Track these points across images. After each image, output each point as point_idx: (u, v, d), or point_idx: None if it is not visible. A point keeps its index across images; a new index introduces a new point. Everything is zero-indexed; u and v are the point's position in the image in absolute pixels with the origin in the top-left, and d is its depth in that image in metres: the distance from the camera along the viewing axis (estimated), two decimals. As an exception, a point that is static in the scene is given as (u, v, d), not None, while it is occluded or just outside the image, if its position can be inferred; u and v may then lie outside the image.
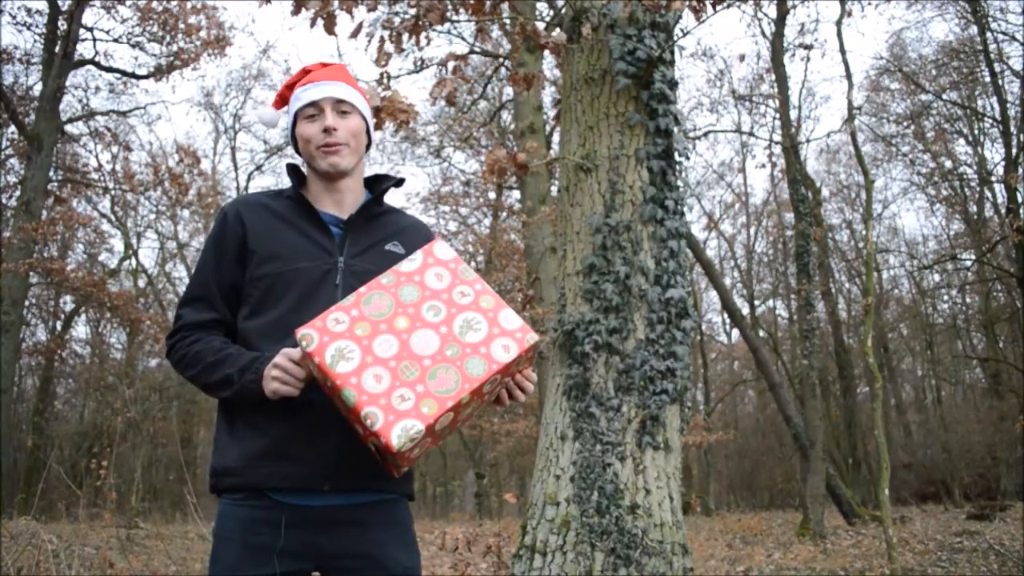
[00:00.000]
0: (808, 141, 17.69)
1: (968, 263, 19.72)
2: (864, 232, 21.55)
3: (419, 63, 4.85)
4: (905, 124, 19.05)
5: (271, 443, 1.57)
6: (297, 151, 1.79)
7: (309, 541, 1.57)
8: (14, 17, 14.49)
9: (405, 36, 4.15)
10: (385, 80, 4.47)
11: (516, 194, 17.33)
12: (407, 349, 1.47)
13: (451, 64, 4.53)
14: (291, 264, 1.65)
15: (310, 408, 1.55)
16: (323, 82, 1.74)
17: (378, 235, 1.76)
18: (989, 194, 19.13)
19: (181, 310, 1.71)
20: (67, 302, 19.78)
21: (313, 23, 4.11)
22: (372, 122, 1.85)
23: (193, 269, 1.91)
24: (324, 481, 1.57)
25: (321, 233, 1.70)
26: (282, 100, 1.84)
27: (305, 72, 1.81)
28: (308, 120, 1.73)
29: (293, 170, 1.80)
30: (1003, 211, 16.48)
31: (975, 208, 19.72)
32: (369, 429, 1.41)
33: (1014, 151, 16.31)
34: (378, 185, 1.84)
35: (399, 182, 1.85)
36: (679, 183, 4.37)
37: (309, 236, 1.69)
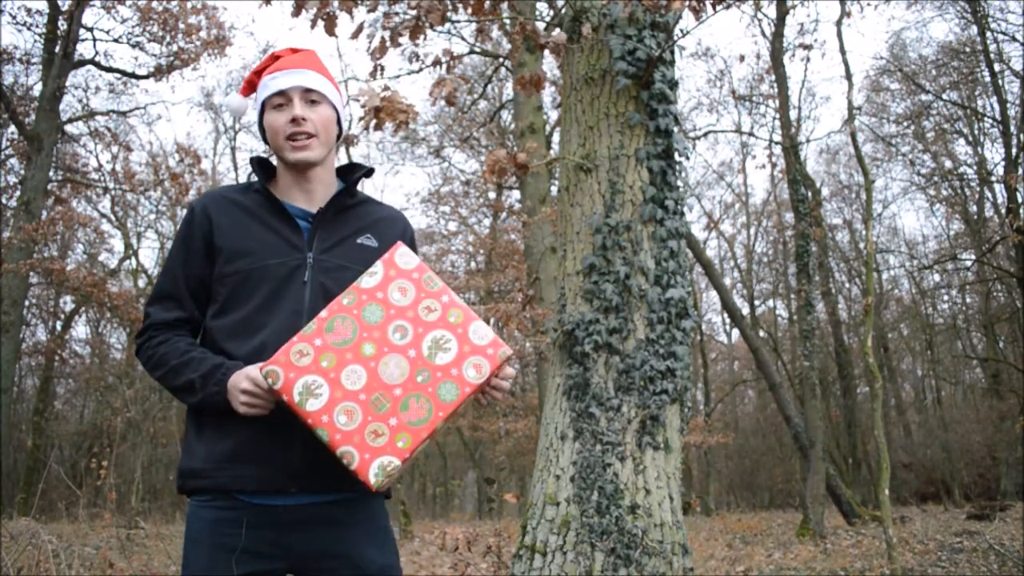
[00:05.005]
0: (808, 141, 17.71)
1: (968, 263, 19.72)
2: (864, 232, 21.55)
3: (414, 58, 4.82)
4: (905, 124, 19.05)
5: (237, 445, 1.54)
6: (265, 141, 1.72)
7: (277, 541, 1.55)
8: (14, 17, 14.48)
9: (406, 37, 4.15)
10: (379, 73, 4.45)
11: (516, 194, 17.33)
12: (376, 379, 1.43)
13: (444, 60, 4.53)
14: (258, 261, 1.61)
15: (276, 410, 1.53)
16: (291, 70, 1.67)
17: (349, 228, 1.70)
18: (989, 194, 19.15)
19: (149, 308, 1.67)
20: (67, 302, 19.78)
21: (314, 24, 4.11)
22: (344, 110, 1.79)
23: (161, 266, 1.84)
24: (291, 483, 1.54)
25: (289, 228, 1.65)
26: (250, 86, 1.76)
27: (274, 58, 1.75)
28: (276, 110, 1.66)
29: (259, 163, 1.74)
30: (1003, 211, 16.48)
31: (975, 208, 19.74)
32: (347, 468, 1.39)
33: (1014, 151, 16.31)
34: (351, 175, 1.78)
35: (369, 172, 1.79)
36: (679, 183, 4.37)
37: (277, 232, 1.64)
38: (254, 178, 1.76)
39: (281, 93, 1.66)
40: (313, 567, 1.57)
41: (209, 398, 1.53)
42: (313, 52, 1.77)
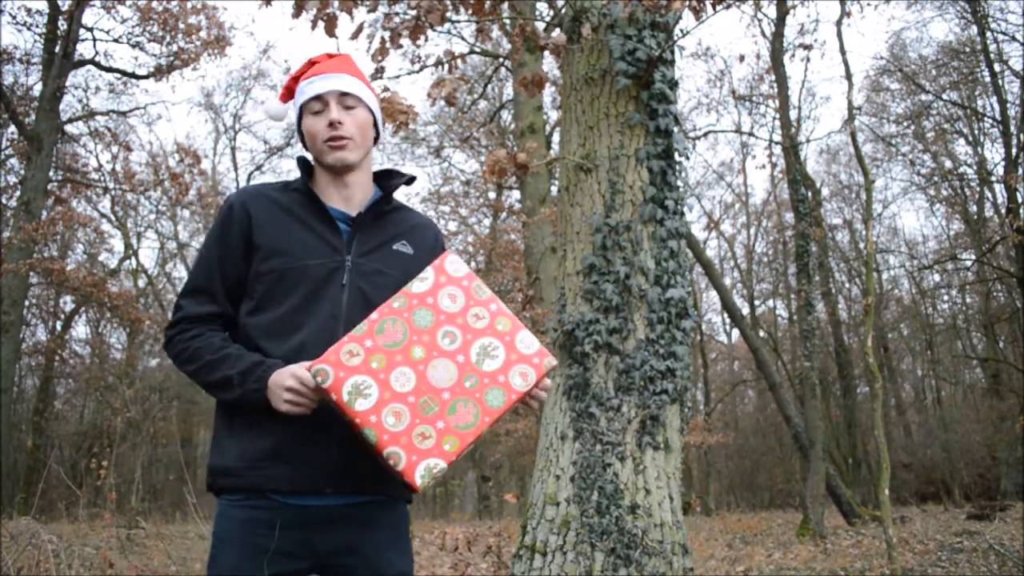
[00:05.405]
0: (808, 141, 17.70)
1: (968, 263, 19.72)
2: (864, 232, 21.56)
3: (416, 60, 4.84)
4: (905, 124, 19.06)
5: (272, 445, 1.54)
6: (304, 145, 1.75)
7: (305, 540, 1.55)
8: (14, 17, 14.49)
9: (405, 37, 4.15)
10: (379, 74, 4.46)
11: (516, 194, 17.33)
12: (425, 382, 1.44)
13: (447, 61, 4.53)
14: (297, 261, 1.61)
15: (312, 411, 1.53)
16: (328, 75, 1.70)
17: (387, 234, 1.72)
18: (989, 194, 19.15)
19: (181, 300, 1.67)
20: (67, 302, 19.77)
21: (314, 25, 4.11)
22: (380, 114, 1.82)
23: (194, 258, 1.86)
24: (325, 484, 1.55)
25: (329, 230, 1.66)
26: (288, 92, 1.79)
27: (311, 64, 1.78)
28: (313, 114, 1.69)
29: (303, 162, 1.76)
30: (1003, 211, 16.48)
31: (975, 208, 19.74)
32: (392, 468, 1.40)
33: (1014, 151, 16.31)
34: (387, 181, 1.79)
35: (410, 180, 1.81)
36: (679, 183, 4.37)
37: (317, 233, 1.65)
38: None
39: (318, 98, 1.68)
40: (333, 563, 1.58)
41: (248, 395, 1.53)
42: (349, 57, 1.80)
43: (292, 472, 1.53)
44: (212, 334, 1.62)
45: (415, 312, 1.50)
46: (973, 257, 19.08)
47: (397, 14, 4.27)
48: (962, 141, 19.41)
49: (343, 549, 1.58)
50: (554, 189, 12.03)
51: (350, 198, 1.72)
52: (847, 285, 24.17)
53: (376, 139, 1.79)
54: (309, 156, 1.78)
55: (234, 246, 1.65)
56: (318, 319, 1.58)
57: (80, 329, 22.80)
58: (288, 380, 1.48)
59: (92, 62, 15.07)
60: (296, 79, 1.77)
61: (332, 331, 1.55)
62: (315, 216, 1.68)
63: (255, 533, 1.53)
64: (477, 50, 13.71)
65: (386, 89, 4.08)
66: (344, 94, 1.69)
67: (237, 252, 1.65)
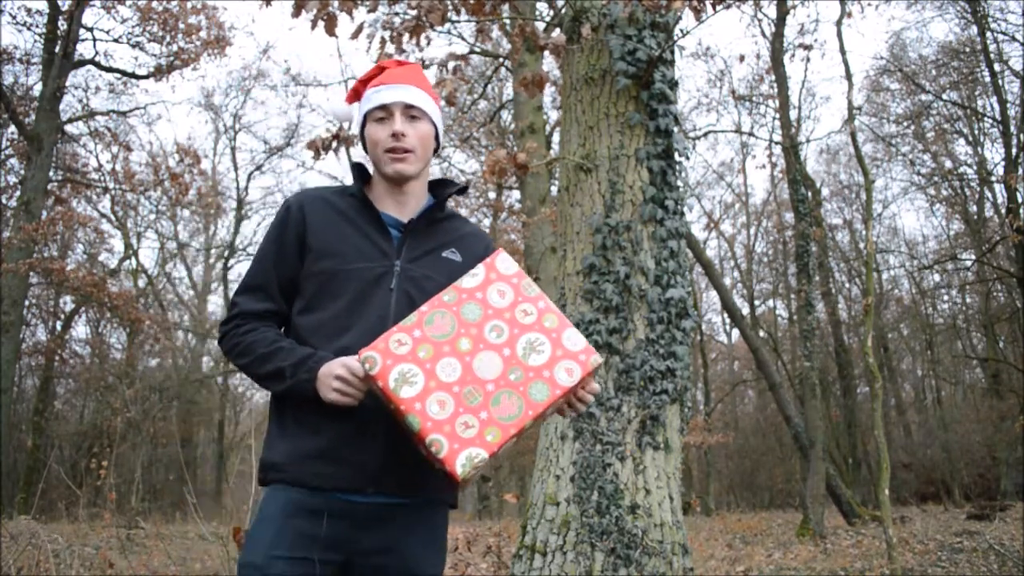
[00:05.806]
0: (808, 141, 17.70)
1: (968, 263, 19.72)
2: (864, 232, 21.57)
3: (419, 62, 4.85)
4: (905, 124, 19.05)
5: (320, 444, 1.57)
6: (365, 149, 1.78)
7: (347, 535, 1.58)
8: (14, 17, 14.48)
9: (406, 37, 4.15)
10: None
11: (516, 194, 17.34)
12: (470, 373, 1.46)
13: (451, 64, 4.54)
14: (347, 264, 1.65)
15: (360, 409, 1.56)
16: (395, 85, 1.72)
17: (436, 241, 1.75)
18: (989, 194, 19.15)
19: (237, 298, 1.72)
20: (67, 302, 19.74)
21: (314, 25, 4.11)
22: (442, 127, 1.85)
23: (252, 256, 1.92)
24: (369, 484, 1.57)
25: (380, 235, 1.70)
26: (355, 95, 1.83)
27: (380, 69, 1.80)
28: (377, 122, 1.72)
29: (358, 168, 1.79)
30: (1003, 211, 16.48)
31: (975, 208, 19.74)
32: (434, 456, 1.41)
33: (1014, 151, 16.31)
34: (441, 189, 1.83)
35: (463, 189, 1.85)
36: (679, 183, 4.37)
37: (368, 237, 1.69)
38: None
39: (383, 107, 1.71)
40: (368, 563, 1.59)
41: (298, 385, 1.56)
42: (418, 67, 1.82)
43: (336, 470, 1.56)
44: (266, 329, 1.68)
45: (464, 306, 1.52)
46: (973, 257, 19.07)
47: (397, 14, 4.27)
48: (962, 141, 19.43)
49: (380, 548, 1.60)
50: (554, 189, 12.03)
51: (404, 205, 1.76)
52: (847, 285, 24.17)
53: (436, 151, 1.82)
54: (367, 161, 1.81)
55: (289, 247, 1.70)
56: (366, 321, 1.62)
57: (80, 329, 22.77)
58: (338, 369, 1.52)
59: (92, 62, 15.07)
60: (364, 82, 1.80)
61: (379, 333, 1.57)
62: (368, 221, 1.71)
63: (297, 516, 1.55)
64: (477, 50, 13.71)
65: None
66: (409, 106, 1.72)
67: (291, 252, 1.70)
